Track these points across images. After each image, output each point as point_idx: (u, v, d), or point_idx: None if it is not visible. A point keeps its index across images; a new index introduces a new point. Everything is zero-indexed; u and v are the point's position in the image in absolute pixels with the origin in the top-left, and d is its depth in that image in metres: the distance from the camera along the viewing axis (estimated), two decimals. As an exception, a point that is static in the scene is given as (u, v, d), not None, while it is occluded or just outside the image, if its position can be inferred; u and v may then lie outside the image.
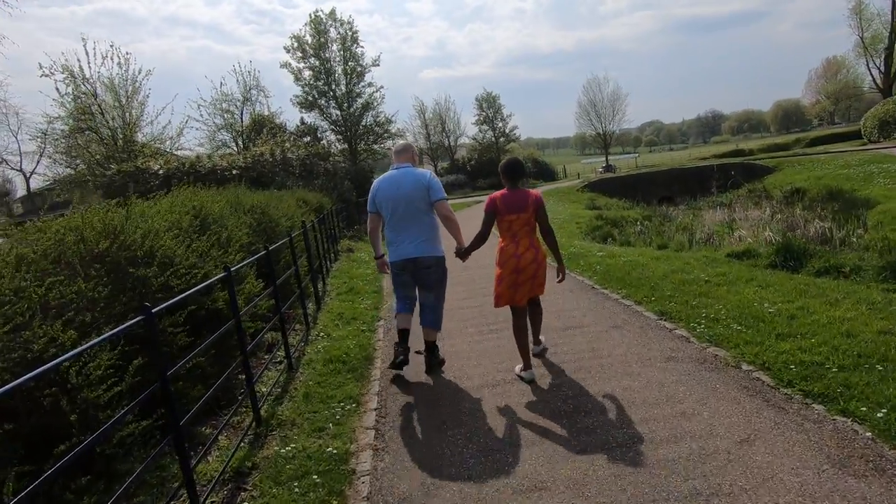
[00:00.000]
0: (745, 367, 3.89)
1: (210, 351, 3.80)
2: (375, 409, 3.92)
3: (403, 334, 4.33)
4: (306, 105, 26.49)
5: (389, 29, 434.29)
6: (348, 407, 3.95)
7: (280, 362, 5.04)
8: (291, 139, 26.34)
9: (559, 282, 4.19)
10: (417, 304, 4.47)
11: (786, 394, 3.43)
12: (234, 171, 19.45)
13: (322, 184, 16.86)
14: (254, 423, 3.64)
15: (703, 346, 4.38)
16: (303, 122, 29.32)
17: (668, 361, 4.17)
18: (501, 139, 44.34)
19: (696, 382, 3.74)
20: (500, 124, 43.80)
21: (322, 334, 5.92)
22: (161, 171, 18.69)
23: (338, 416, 3.80)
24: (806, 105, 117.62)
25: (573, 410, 3.53)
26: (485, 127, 44.38)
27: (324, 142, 27.50)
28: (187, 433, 3.24)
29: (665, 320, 5.15)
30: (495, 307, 4.22)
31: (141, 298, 3.22)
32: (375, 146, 27.16)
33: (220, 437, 3.49)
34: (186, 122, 23.38)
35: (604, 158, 54.70)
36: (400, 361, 4.26)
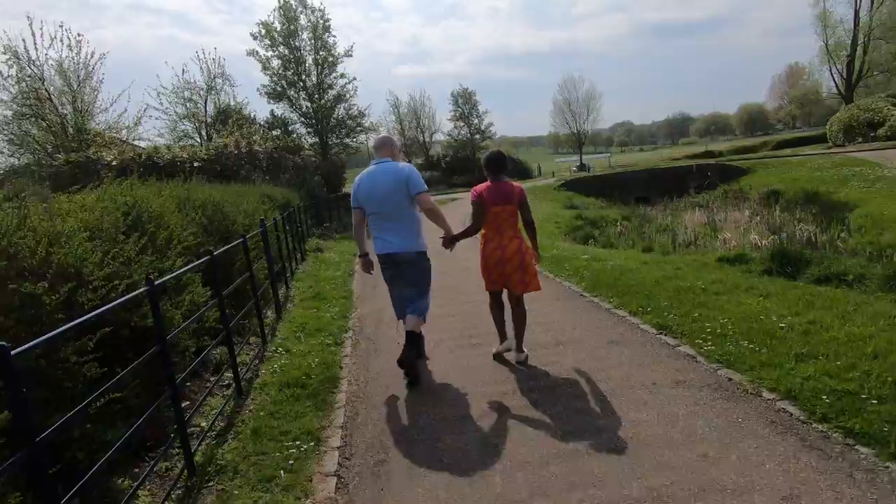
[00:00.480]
0: (766, 394, 3.39)
1: (135, 380, 3.09)
2: (339, 449, 3.27)
3: (412, 337, 4.15)
4: (274, 95, 25.12)
5: (363, 23, 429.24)
6: (305, 446, 3.28)
7: (228, 385, 4.33)
8: (260, 131, 25.22)
9: (535, 265, 4.20)
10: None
11: (822, 431, 2.93)
12: (196, 164, 18.37)
13: (290, 178, 15.97)
14: (184, 473, 2.94)
15: (713, 368, 3.88)
16: (273, 115, 28.18)
17: (678, 387, 3.65)
18: (477, 136, 43.78)
19: (715, 415, 3.22)
20: (476, 121, 43.23)
21: (280, 349, 5.21)
22: (115, 163, 17.49)
23: (292, 460, 3.13)
24: (769, 109, 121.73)
25: (573, 453, 2.96)
26: (460, 123, 43.74)
27: (294, 135, 26.41)
28: (92, 490, 2.54)
29: (666, 335, 4.64)
30: (486, 290, 4.41)
31: (30, 322, 2.49)
32: (348, 140, 26.17)
33: (140, 492, 2.79)
34: (145, 110, 22.01)
35: (577, 158, 54.92)
36: (411, 379, 4.14)
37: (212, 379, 4.35)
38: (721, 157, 40.51)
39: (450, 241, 4.25)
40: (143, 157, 17.87)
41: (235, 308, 5.21)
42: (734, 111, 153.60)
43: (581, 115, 53.81)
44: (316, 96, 24.64)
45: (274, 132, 25.70)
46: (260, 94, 24.86)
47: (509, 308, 4.34)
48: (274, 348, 5.27)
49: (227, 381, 4.37)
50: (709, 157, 42.56)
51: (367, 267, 4.44)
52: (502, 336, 4.37)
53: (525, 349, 4.31)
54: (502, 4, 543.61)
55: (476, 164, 44.52)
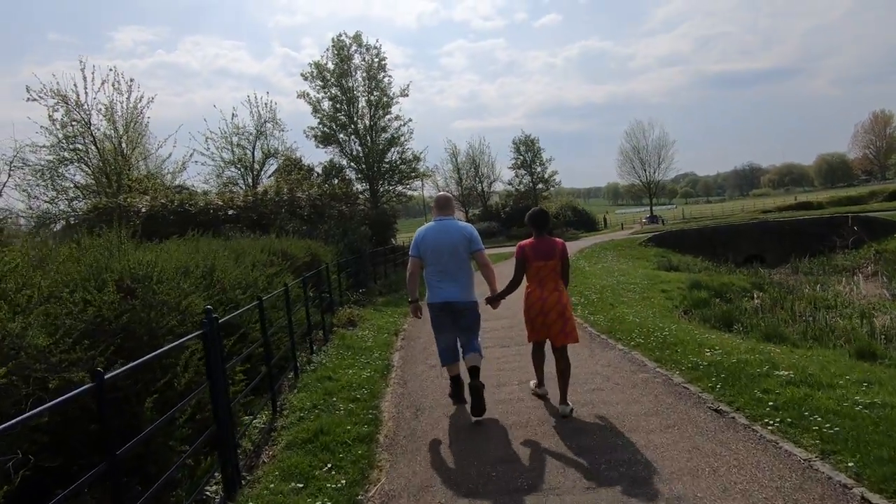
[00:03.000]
0: None
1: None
2: None
3: (456, 380, 4.74)
4: (323, 139, 23.32)
5: (424, 81, 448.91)
6: None
7: None
8: (318, 180, 23.40)
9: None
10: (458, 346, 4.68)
11: None
12: (231, 212, 16.43)
13: (328, 230, 13.44)
14: None
15: None
16: (331, 163, 26.53)
17: None
18: (539, 185, 40.87)
19: None
20: (539, 169, 40.42)
21: None
22: (143, 210, 15.80)
23: None
24: (853, 159, 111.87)
25: None
26: (522, 172, 41.10)
27: (347, 181, 24.38)
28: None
29: None
30: (528, 342, 4.61)
31: None
32: (400, 187, 24.00)
33: None
34: (191, 155, 20.83)
35: (639, 209, 50.66)
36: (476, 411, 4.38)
37: None
38: (820, 209, 35.29)
39: (495, 299, 4.54)
40: (176, 203, 16.15)
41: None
42: (808, 162, 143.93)
43: (652, 163, 50.01)
44: (368, 140, 22.69)
45: (334, 181, 23.82)
46: (307, 136, 23.21)
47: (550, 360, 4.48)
48: None
49: None
50: (804, 209, 37.34)
51: (417, 311, 4.71)
52: (540, 379, 4.74)
53: (569, 402, 4.37)
54: (558, 61, 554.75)
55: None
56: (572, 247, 27.31)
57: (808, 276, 14.34)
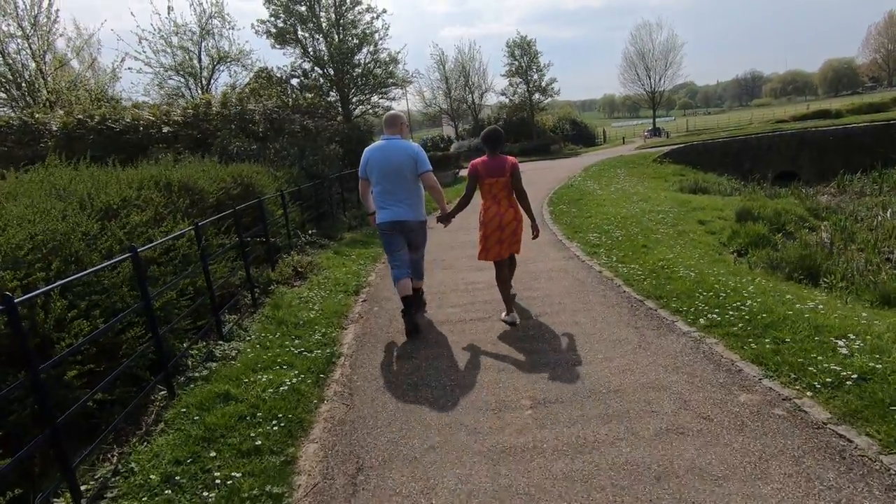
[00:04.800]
0: None
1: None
2: None
3: (407, 301, 4.57)
4: (278, 36, 18.80)
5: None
6: None
7: None
8: (290, 91, 19.78)
9: (533, 238, 4.61)
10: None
11: None
12: (166, 129, 13.52)
13: (279, 149, 10.76)
14: None
15: None
16: (291, 68, 22.60)
17: None
18: (536, 94, 36.98)
19: None
20: (536, 76, 36.25)
21: None
22: (56, 129, 12.88)
23: None
24: (861, 64, 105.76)
25: None
26: (516, 80, 36.92)
27: (322, 94, 20.73)
28: None
29: None
30: (479, 259, 4.72)
31: None
32: (376, 96, 19.95)
33: None
34: (122, 61, 17.36)
35: (636, 122, 47.22)
36: (412, 330, 4.55)
37: None
38: (841, 118, 32.30)
39: (445, 217, 4.78)
40: (96, 120, 13.15)
41: None
42: (814, 69, 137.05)
43: (657, 69, 45.74)
44: (334, 36, 18.62)
45: (307, 94, 20.27)
46: (258, 33, 19.15)
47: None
48: None
49: None
50: (824, 119, 34.35)
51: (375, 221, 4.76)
52: (509, 308, 4.69)
53: (513, 285, 4.95)
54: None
55: (536, 129, 38.08)
56: (575, 163, 24.55)
57: (862, 197, 12.06)
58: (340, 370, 4.12)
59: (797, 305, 4.27)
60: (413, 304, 4.60)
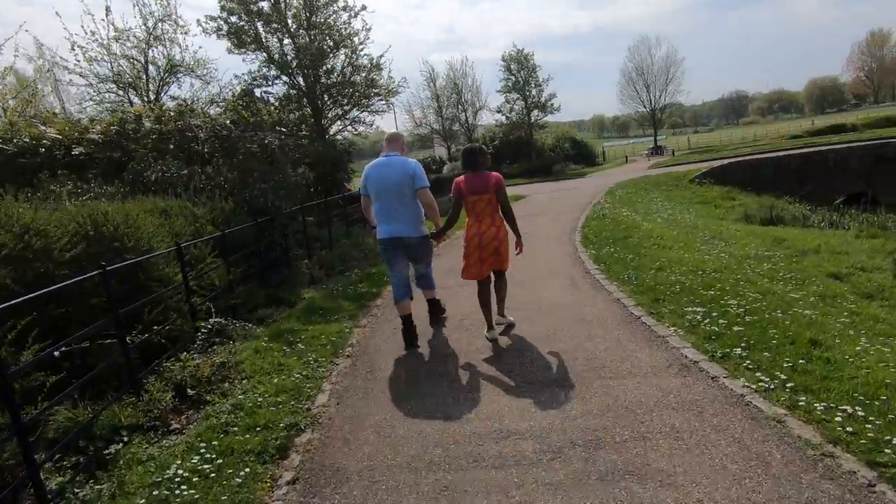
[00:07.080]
0: None
1: None
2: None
3: (407, 320, 4.71)
4: (235, 37, 15.29)
5: (398, 10, 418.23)
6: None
7: None
8: (273, 109, 16.63)
9: (518, 254, 4.56)
10: (412, 281, 5.00)
11: None
12: (77, 151, 10.47)
13: (211, 174, 7.70)
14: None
15: None
16: (251, 76, 19.27)
17: None
18: (535, 111, 34.31)
19: None
20: (534, 91, 33.64)
21: None
22: (-77, 151, 9.77)
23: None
24: (845, 82, 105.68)
25: None
26: (513, 96, 34.31)
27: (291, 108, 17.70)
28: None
29: None
30: (462, 279, 4.64)
31: None
32: (356, 110, 16.46)
33: None
34: (48, 70, 14.36)
35: (626, 141, 44.96)
36: (410, 343, 4.72)
37: None
38: (855, 132, 30.18)
39: (437, 234, 4.73)
40: (-16, 140, 10.07)
41: None
42: (795, 87, 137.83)
43: (657, 85, 43.65)
44: (304, 36, 15.42)
45: (292, 114, 17.12)
46: (207, 33, 15.90)
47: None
48: None
49: None
50: (838, 132, 32.25)
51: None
52: (490, 324, 4.63)
53: (507, 314, 4.94)
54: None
55: (535, 148, 35.44)
56: (587, 185, 21.60)
57: None
58: None
59: None
60: (412, 322, 4.74)
